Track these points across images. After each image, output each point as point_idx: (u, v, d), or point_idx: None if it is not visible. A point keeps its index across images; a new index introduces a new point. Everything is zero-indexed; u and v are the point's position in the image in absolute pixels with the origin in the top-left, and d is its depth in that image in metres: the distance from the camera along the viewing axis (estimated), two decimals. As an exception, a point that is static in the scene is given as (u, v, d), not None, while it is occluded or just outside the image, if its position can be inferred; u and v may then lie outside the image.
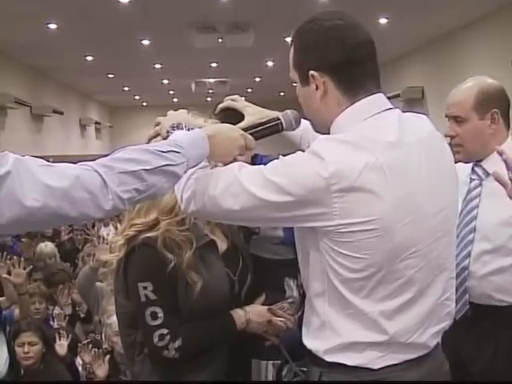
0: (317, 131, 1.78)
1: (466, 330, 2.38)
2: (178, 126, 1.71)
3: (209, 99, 18.48)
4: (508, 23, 8.78)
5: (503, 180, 1.98)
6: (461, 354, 2.36)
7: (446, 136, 2.41)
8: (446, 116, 2.48)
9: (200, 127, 1.71)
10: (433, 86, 11.74)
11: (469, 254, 2.38)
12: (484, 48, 9.58)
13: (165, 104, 15.43)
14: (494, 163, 2.34)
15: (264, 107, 2.19)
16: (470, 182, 2.46)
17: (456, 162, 2.49)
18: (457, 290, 2.30)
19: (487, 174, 2.39)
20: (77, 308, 4.97)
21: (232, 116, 2.07)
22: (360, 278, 1.57)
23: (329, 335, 1.64)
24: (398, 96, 11.39)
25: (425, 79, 12.16)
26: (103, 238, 4.76)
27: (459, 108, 2.42)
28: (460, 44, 10.39)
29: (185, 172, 1.57)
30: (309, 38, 1.67)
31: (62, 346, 4.19)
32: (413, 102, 11.68)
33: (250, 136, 1.73)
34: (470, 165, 2.49)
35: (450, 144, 2.43)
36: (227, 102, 2.21)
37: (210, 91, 17.03)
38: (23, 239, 8.08)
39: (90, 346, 4.03)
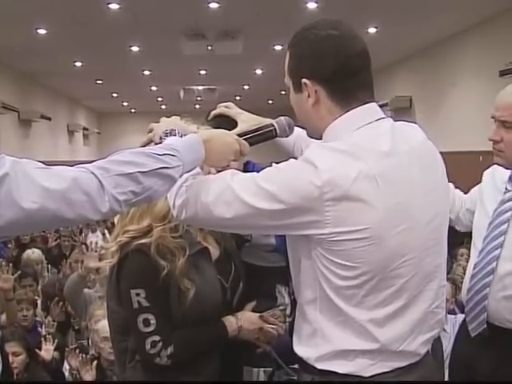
0: (310, 136, 1.79)
1: (483, 349, 2.29)
2: (171, 133, 1.71)
3: (197, 106, 18.48)
4: (496, 34, 8.83)
5: None
6: (475, 374, 2.27)
7: (489, 140, 2.33)
8: (493, 117, 2.32)
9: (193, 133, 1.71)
10: (421, 95, 11.80)
11: (492, 271, 2.25)
12: (472, 58, 9.63)
13: (153, 111, 15.48)
14: None
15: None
16: (505, 192, 2.32)
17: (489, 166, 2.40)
18: (475, 307, 2.28)
19: None
20: (72, 320, 4.94)
21: (225, 123, 2.07)
22: (352, 286, 1.57)
23: (320, 343, 1.64)
24: (386, 105, 11.43)
25: (413, 89, 12.21)
26: (91, 244, 4.74)
27: (510, 113, 2.25)
28: (448, 54, 10.44)
29: (180, 176, 1.57)
30: (304, 46, 1.68)
31: (47, 350, 4.17)
32: (401, 111, 11.72)
33: (244, 141, 1.74)
34: (508, 172, 2.36)
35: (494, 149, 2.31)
36: (220, 109, 2.21)
37: (199, 98, 17.02)
38: (9, 245, 8.05)
39: (78, 350, 4.01)
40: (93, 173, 1.39)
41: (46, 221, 1.34)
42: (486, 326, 2.29)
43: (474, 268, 2.33)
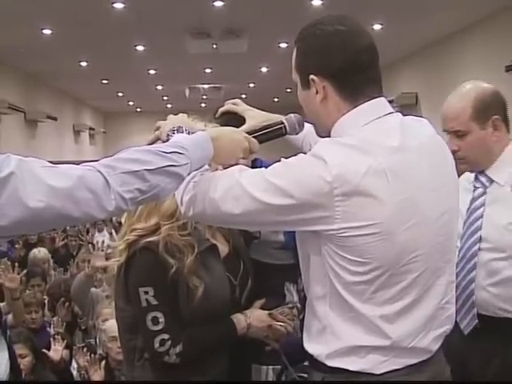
0: (319, 135, 1.77)
1: (474, 341, 2.30)
2: (178, 130, 1.70)
3: (203, 105, 18.47)
4: (502, 29, 8.82)
5: None
6: (467, 366, 2.29)
7: None
8: (444, 131, 2.35)
9: (201, 131, 1.70)
10: (427, 91, 11.78)
11: (475, 266, 2.28)
12: (478, 53, 9.61)
13: (159, 110, 15.46)
14: (498, 170, 2.31)
15: (261, 112, 2.19)
16: (474, 190, 2.36)
17: (461, 174, 2.39)
18: (464, 304, 2.27)
19: (491, 181, 2.32)
20: (78, 320, 4.94)
21: (233, 119, 2.07)
22: (362, 282, 1.56)
23: (330, 339, 1.63)
24: (391, 102, 11.37)
25: (419, 85, 12.19)
26: (97, 243, 4.75)
27: (458, 122, 2.29)
28: (454, 50, 10.42)
29: (188, 174, 1.57)
30: (311, 42, 1.67)
31: (56, 350, 4.16)
32: (407, 107, 11.69)
33: (253, 139, 1.73)
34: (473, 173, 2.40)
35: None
36: (228, 106, 2.21)
37: (204, 97, 17.02)
38: (17, 245, 8.06)
39: (85, 349, 4.01)
40: (99, 171, 1.38)
41: (53, 219, 1.34)
42: (477, 321, 2.29)
43: (457, 267, 2.33)
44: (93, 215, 1.38)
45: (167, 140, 1.67)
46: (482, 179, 2.36)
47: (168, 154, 1.49)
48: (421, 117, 1.79)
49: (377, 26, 9.65)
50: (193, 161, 1.54)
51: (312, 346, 1.69)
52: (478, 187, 2.36)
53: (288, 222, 1.59)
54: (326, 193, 1.50)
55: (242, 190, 1.58)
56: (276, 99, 18.39)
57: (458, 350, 2.22)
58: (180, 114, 1.87)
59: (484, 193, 2.34)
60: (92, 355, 3.87)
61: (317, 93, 1.65)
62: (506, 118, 2.35)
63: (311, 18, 1.70)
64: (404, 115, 1.73)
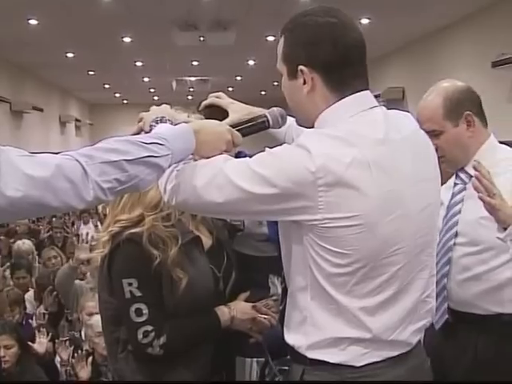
0: (300, 125, 1.77)
1: (446, 336, 2.32)
2: (161, 120, 1.70)
3: (190, 97, 18.44)
4: (489, 24, 8.85)
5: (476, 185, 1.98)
6: (442, 360, 2.29)
7: None
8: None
9: (184, 122, 1.70)
10: (413, 86, 11.80)
11: (449, 261, 2.30)
12: (465, 49, 9.65)
13: (145, 102, 15.32)
14: None
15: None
16: (454, 186, 2.39)
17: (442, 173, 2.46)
18: (436, 299, 2.30)
19: (470, 177, 2.30)
20: (65, 310, 4.92)
21: (216, 113, 2.06)
22: (343, 274, 1.57)
23: (310, 331, 1.63)
24: (378, 96, 11.42)
25: (405, 80, 12.22)
26: (82, 235, 4.74)
27: (432, 122, 2.31)
28: (441, 45, 10.45)
29: (169, 165, 1.56)
30: (301, 32, 1.65)
31: (41, 343, 4.14)
32: (393, 102, 11.71)
33: (236, 132, 1.73)
34: None
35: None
36: (211, 99, 2.19)
37: (191, 89, 16.99)
38: (1, 237, 8.02)
39: (68, 342, 3.99)
40: (77, 160, 1.38)
41: (30, 208, 1.33)
42: (447, 316, 2.31)
43: None
44: (71, 205, 1.38)
45: (150, 131, 1.66)
46: (462, 175, 2.38)
47: (148, 145, 1.48)
48: (407, 111, 1.80)
49: (364, 21, 9.66)
50: (174, 152, 1.54)
51: (292, 338, 1.69)
52: (458, 183, 2.38)
53: (271, 212, 1.59)
54: (309, 183, 1.51)
55: (225, 179, 1.57)
56: (263, 92, 18.39)
57: (432, 345, 2.23)
58: (163, 105, 1.86)
59: (464, 189, 2.35)
60: (79, 351, 3.85)
61: (304, 83, 1.65)
62: (481, 113, 2.36)
63: (298, 11, 1.70)
64: (390, 109, 1.73)
